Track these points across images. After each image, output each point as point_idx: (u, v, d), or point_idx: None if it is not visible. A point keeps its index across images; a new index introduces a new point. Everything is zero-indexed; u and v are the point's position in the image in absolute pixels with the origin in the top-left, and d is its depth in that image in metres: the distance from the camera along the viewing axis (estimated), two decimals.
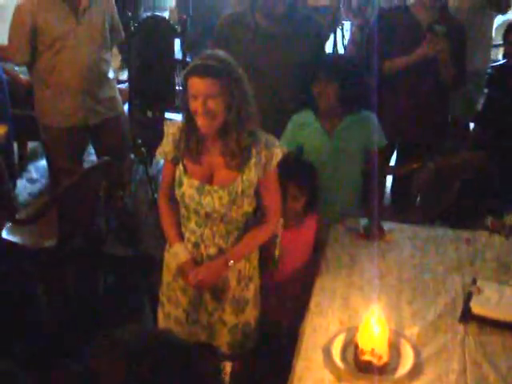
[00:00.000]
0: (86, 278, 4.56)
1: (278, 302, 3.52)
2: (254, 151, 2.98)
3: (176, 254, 3.15)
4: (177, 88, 5.92)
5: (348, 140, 3.81)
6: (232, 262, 3.08)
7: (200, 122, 2.89)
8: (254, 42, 4.00)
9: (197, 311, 3.25)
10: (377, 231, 3.64)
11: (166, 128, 3.12)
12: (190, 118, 2.95)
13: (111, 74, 4.90)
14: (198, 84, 2.84)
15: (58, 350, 3.76)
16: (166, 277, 3.32)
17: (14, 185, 5.68)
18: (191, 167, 3.05)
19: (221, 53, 2.96)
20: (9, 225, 4.14)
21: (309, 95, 3.78)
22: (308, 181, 3.50)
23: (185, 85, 2.91)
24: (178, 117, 5.46)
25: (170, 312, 3.32)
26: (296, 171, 3.46)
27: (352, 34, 7.05)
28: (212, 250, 3.11)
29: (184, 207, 3.12)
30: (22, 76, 5.73)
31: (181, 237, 3.17)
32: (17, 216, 4.15)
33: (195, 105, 2.86)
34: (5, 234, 4.07)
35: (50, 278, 4.33)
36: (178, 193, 3.09)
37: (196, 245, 3.13)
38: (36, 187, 6.06)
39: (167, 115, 5.82)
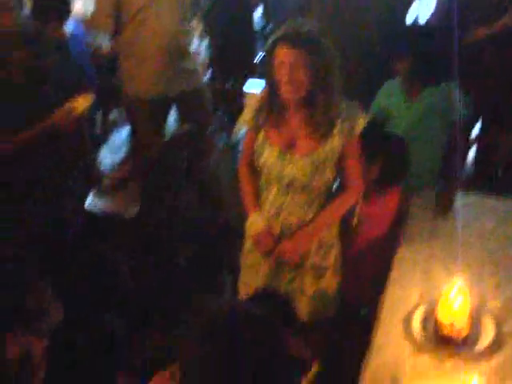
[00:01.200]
0: (167, 248, 4.62)
1: (357, 271, 3.51)
2: (337, 120, 2.96)
3: (253, 223, 3.18)
4: (256, 57, 5.93)
5: (429, 110, 3.76)
6: (314, 231, 3.09)
7: (284, 90, 2.89)
8: None
9: (277, 279, 3.27)
10: (448, 201, 3.58)
11: (247, 97, 3.14)
12: (273, 86, 2.95)
13: (192, 46, 4.92)
14: (285, 53, 2.83)
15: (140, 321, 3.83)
16: (247, 244, 3.35)
17: (97, 154, 5.78)
18: (272, 136, 3.06)
19: (308, 22, 2.95)
20: (92, 194, 4.23)
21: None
22: (388, 151, 3.46)
23: (271, 52, 2.90)
24: (258, 85, 5.47)
25: (250, 279, 3.36)
26: (370, 141, 3.42)
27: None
28: (292, 220, 3.12)
29: (265, 176, 3.13)
30: (104, 46, 5.80)
31: (259, 206, 3.19)
32: (100, 185, 4.23)
33: (281, 73, 2.86)
34: (89, 203, 4.15)
35: (132, 247, 4.41)
36: (258, 162, 3.11)
37: (276, 214, 3.14)
38: (118, 156, 6.14)
39: (247, 84, 5.82)
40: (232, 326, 1.61)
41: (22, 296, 2.54)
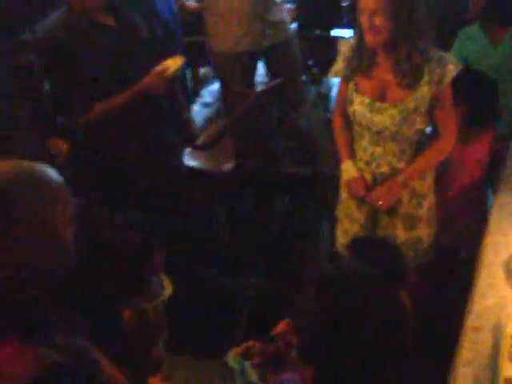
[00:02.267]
0: (263, 200, 4.68)
1: (452, 217, 3.49)
2: (426, 69, 2.93)
3: (345, 171, 3.22)
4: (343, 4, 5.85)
5: None
6: (406, 181, 3.09)
7: (366, 37, 2.88)
8: None
9: (372, 226, 3.31)
10: None
11: (339, 46, 3.14)
12: (360, 34, 2.94)
13: None
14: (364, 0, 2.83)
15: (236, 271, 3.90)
16: (343, 194, 3.38)
17: (190, 111, 5.85)
18: (362, 84, 3.06)
19: None
20: (188, 150, 4.29)
21: None
22: (479, 93, 3.40)
23: None
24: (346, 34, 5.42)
25: (347, 228, 3.39)
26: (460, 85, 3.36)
27: None
28: (384, 169, 3.13)
29: (357, 125, 3.14)
30: (190, 3, 5.83)
31: (352, 154, 3.22)
32: (195, 142, 4.29)
33: (362, 20, 2.86)
34: (185, 160, 4.22)
35: (229, 200, 4.49)
36: (349, 110, 3.11)
37: (367, 163, 3.16)
38: (210, 111, 6.19)
39: (335, 33, 5.77)
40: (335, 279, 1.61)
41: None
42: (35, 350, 1.59)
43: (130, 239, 2.58)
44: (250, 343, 2.60)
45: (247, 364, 2.46)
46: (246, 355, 2.55)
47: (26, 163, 1.72)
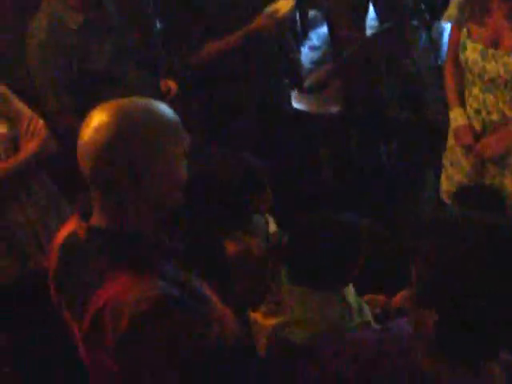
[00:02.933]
0: (369, 144, 4.67)
1: None
2: None
3: (454, 119, 3.19)
4: None
5: None
6: None
7: None
8: None
9: (479, 175, 3.28)
10: None
11: None
12: None
13: None
14: None
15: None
16: (450, 141, 3.35)
17: (298, 53, 5.84)
18: (476, 31, 3.01)
19: None
20: (296, 93, 4.31)
21: None
22: None
23: None
24: None
25: (453, 176, 3.37)
26: None
27: None
28: (495, 116, 3.08)
29: (469, 72, 3.09)
30: None
31: (461, 101, 3.18)
32: (304, 84, 4.31)
33: None
34: (293, 102, 4.25)
35: (334, 143, 4.50)
36: (462, 57, 3.07)
37: (477, 111, 3.12)
38: (318, 54, 6.14)
39: None
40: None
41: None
42: (149, 279, 1.64)
43: (236, 174, 2.63)
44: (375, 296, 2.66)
45: (366, 306, 2.51)
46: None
47: (143, 100, 1.74)
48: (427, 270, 1.54)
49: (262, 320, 2.52)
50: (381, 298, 2.67)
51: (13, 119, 2.76)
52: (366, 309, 2.49)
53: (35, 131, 2.75)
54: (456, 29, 3.11)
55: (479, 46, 2.98)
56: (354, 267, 2.31)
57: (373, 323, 2.46)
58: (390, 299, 2.65)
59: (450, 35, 3.25)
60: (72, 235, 1.78)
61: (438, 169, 3.58)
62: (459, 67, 3.17)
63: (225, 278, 2.45)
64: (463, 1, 3.02)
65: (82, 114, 1.73)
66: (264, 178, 2.66)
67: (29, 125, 2.75)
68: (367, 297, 2.64)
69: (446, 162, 3.43)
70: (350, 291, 2.42)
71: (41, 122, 2.80)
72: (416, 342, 1.61)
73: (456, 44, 3.13)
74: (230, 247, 2.66)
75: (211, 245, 2.61)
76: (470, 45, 3.01)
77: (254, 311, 2.59)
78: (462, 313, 1.48)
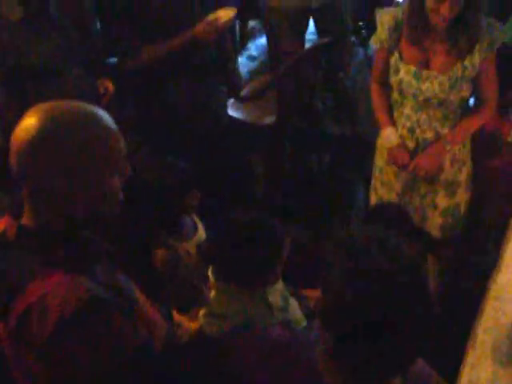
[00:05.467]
0: (302, 156, 4.70)
1: (488, 189, 3.50)
2: (479, 37, 2.92)
3: (387, 138, 3.22)
4: None
5: None
6: (449, 146, 3.11)
7: (442, 9, 2.77)
8: None
9: (410, 194, 3.34)
10: None
11: (378, 16, 3.12)
12: (419, 6, 2.89)
13: None
14: None
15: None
16: (379, 161, 3.41)
17: (236, 63, 5.86)
18: (408, 53, 3.06)
19: None
20: (232, 101, 4.33)
21: None
22: None
23: None
24: None
25: (383, 196, 3.43)
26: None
27: None
28: (429, 135, 3.15)
29: (399, 93, 3.15)
30: None
31: (392, 121, 3.23)
32: (239, 93, 4.33)
33: (444, 6, 2.77)
34: (229, 110, 4.26)
35: (268, 153, 4.52)
36: (394, 80, 3.12)
37: (411, 130, 3.18)
38: (256, 64, 6.19)
39: None
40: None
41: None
42: (78, 280, 1.64)
43: (164, 179, 2.66)
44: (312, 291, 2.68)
45: (295, 304, 2.52)
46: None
47: (78, 104, 1.73)
48: (323, 292, 1.59)
49: (188, 323, 2.53)
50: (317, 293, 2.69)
51: None
52: (294, 307, 2.51)
53: None
54: (384, 52, 3.14)
55: (412, 68, 3.03)
56: (273, 269, 2.35)
57: (303, 321, 2.48)
58: None
59: (376, 58, 3.30)
60: (0, 236, 1.76)
61: (369, 183, 3.62)
62: (385, 88, 3.23)
63: (154, 282, 2.46)
64: (392, 25, 3.06)
65: (22, 110, 1.73)
66: (190, 178, 2.70)
67: None
68: (305, 291, 2.67)
69: (376, 182, 3.48)
70: (277, 288, 2.43)
71: None
72: (320, 351, 1.65)
73: (382, 67, 3.18)
74: (159, 252, 2.68)
75: (141, 248, 2.62)
76: (403, 67, 3.05)
77: (180, 314, 2.60)
78: (354, 333, 1.51)
